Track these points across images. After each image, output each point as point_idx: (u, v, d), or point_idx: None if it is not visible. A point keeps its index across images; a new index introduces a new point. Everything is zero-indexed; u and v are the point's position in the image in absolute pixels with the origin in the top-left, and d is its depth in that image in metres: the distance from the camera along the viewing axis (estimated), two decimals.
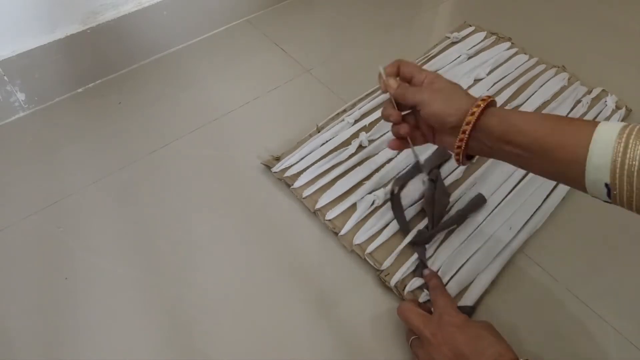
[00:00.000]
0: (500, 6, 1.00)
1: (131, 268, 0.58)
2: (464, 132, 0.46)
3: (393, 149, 0.54)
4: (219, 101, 0.78)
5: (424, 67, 0.81)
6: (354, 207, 0.64)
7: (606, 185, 0.38)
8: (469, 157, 0.50)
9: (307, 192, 0.65)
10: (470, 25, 0.93)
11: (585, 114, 0.77)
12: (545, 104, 0.78)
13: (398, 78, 0.52)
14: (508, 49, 0.88)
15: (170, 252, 0.60)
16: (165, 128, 0.74)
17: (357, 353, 0.52)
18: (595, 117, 0.76)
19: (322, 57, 0.87)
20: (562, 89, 0.81)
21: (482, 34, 0.91)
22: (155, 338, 0.53)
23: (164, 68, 0.84)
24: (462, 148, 0.47)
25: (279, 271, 0.58)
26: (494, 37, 0.90)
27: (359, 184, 0.66)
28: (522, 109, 0.77)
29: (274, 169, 0.67)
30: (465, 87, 0.79)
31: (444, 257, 0.58)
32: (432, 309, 0.50)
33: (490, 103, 0.46)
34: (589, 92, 0.81)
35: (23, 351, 0.51)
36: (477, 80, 0.82)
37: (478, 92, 0.79)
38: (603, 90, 0.81)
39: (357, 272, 0.58)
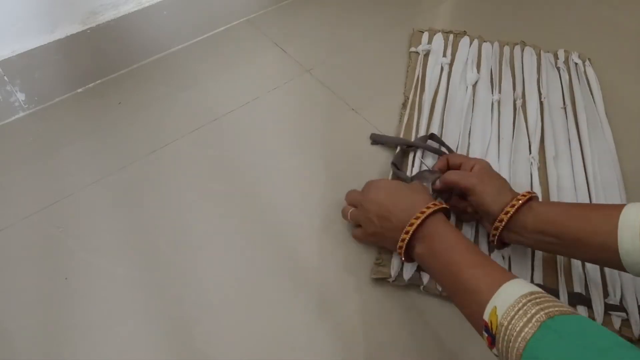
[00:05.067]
0: (500, 5, 1.00)
1: (131, 268, 0.58)
2: (500, 221, 0.52)
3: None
4: (219, 101, 0.78)
5: (424, 94, 0.79)
6: None
7: None
8: (504, 243, 0.56)
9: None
10: (422, 31, 0.91)
11: (570, 78, 0.83)
12: (539, 82, 0.82)
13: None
14: (471, 43, 0.88)
15: (170, 252, 0.60)
16: (165, 128, 0.74)
17: (358, 353, 0.52)
18: (579, 79, 0.83)
19: (322, 57, 0.87)
20: (538, 62, 0.85)
21: (440, 36, 0.89)
22: (155, 338, 0.53)
23: (164, 68, 0.84)
24: (497, 236, 0.53)
25: (279, 271, 0.58)
26: (451, 35, 0.90)
27: None
28: (528, 96, 0.79)
29: (394, 281, 0.57)
30: (469, 95, 0.78)
31: None
32: None
33: (529, 199, 0.52)
34: (556, 56, 0.87)
35: (23, 351, 0.51)
36: (474, 84, 0.81)
37: (484, 94, 0.79)
38: (565, 50, 0.88)
39: (360, 274, 0.58)
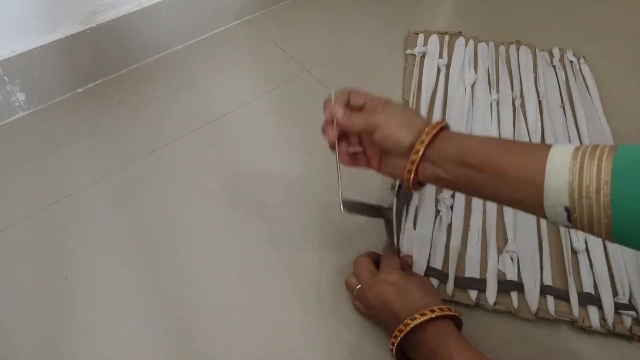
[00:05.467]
0: (500, 5, 1.00)
1: (131, 268, 0.58)
2: (417, 152, 0.44)
3: (346, 164, 0.52)
4: (219, 101, 0.78)
5: (421, 97, 0.77)
6: None
7: (566, 208, 0.37)
8: (419, 183, 0.48)
9: None
10: (417, 33, 0.90)
11: (566, 76, 0.83)
12: (536, 80, 0.82)
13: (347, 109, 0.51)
14: (467, 43, 0.88)
15: (171, 252, 0.60)
16: (165, 128, 0.74)
17: (358, 352, 0.52)
18: (575, 77, 0.83)
19: (322, 57, 0.87)
20: (534, 61, 0.86)
21: (435, 37, 0.89)
22: (155, 338, 0.53)
23: (164, 68, 0.84)
24: (414, 170, 0.45)
25: (279, 271, 0.58)
26: (446, 36, 0.90)
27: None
28: (526, 95, 0.79)
29: None
30: (468, 96, 0.78)
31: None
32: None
33: (444, 126, 0.46)
34: (552, 54, 0.87)
35: (23, 351, 0.51)
36: (473, 85, 0.81)
37: (483, 94, 0.79)
38: (560, 48, 0.88)
39: None
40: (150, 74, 0.83)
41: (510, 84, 0.81)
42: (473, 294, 0.55)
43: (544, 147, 0.39)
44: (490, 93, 0.79)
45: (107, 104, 0.78)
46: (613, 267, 0.58)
